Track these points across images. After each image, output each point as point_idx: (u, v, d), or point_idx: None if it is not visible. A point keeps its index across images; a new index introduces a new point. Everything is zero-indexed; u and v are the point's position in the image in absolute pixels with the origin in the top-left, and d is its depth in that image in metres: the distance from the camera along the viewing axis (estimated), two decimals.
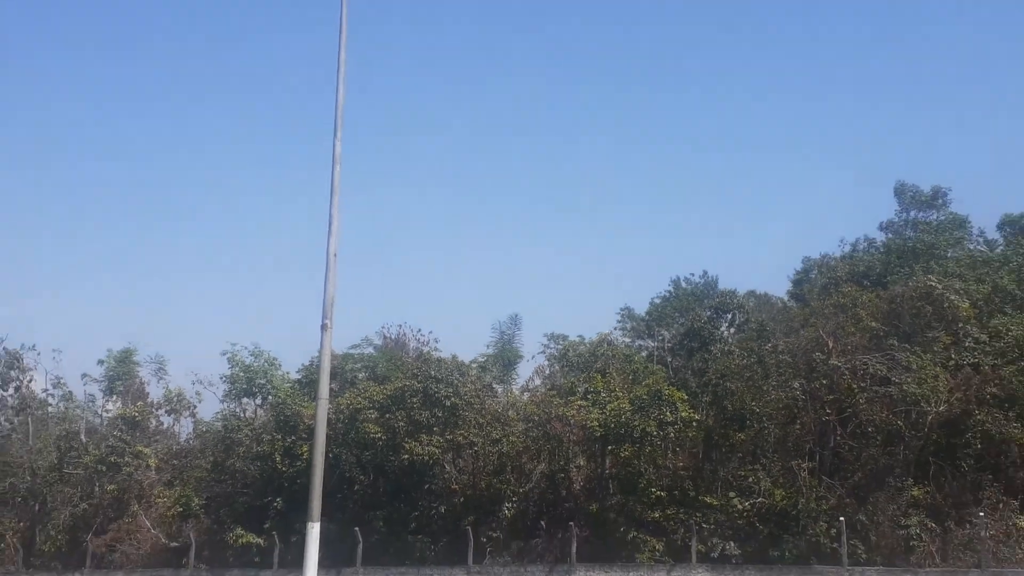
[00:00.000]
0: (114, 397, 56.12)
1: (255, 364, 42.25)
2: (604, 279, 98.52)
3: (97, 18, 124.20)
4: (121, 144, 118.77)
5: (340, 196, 23.83)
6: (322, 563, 35.97)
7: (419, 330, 44.19)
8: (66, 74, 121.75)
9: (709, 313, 39.69)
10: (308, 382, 42.41)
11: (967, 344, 34.55)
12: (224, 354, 44.12)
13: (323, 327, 23.46)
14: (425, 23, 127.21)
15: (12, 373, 36.08)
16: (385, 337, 44.03)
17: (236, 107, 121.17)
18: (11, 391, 40.82)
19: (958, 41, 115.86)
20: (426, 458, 35.84)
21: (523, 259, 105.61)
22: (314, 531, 23.06)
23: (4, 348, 35.35)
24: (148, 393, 55.74)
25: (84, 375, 54.90)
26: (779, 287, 53.78)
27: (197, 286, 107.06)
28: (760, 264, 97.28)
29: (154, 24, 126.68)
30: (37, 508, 45.60)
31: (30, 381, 45.71)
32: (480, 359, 41.65)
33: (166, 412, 51.66)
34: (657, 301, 57.20)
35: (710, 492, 34.36)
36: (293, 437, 38.10)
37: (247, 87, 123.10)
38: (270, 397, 43.12)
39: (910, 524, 31.05)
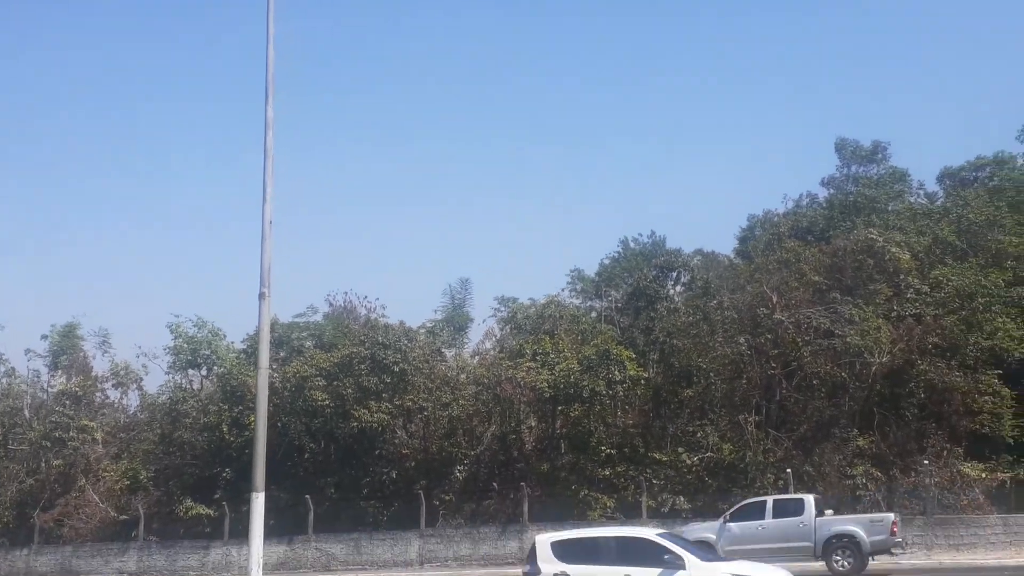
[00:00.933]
0: (59, 372, 54.92)
1: (198, 335, 41.53)
2: (555, 242, 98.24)
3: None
4: (54, 111, 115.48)
5: (275, 162, 23.34)
6: (274, 531, 35.88)
7: (365, 297, 43.53)
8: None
9: (654, 272, 39.49)
10: (253, 351, 41.57)
11: (909, 296, 34.76)
12: (168, 326, 43.34)
13: (261, 296, 22.87)
14: None
15: None
16: (331, 305, 43.42)
17: (176, 71, 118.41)
18: None
19: None
20: (376, 424, 35.55)
21: (474, 224, 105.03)
22: (259, 501, 22.56)
23: None
24: (93, 367, 54.56)
25: (28, 350, 53.74)
26: (726, 245, 53.84)
27: (140, 258, 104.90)
28: (708, 223, 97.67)
29: None
30: None
31: None
32: (428, 324, 41.21)
33: (112, 386, 50.79)
34: (606, 262, 57.03)
35: (659, 448, 34.43)
36: (240, 407, 37.54)
37: (186, 52, 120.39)
38: (215, 368, 42.44)
39: (856, 474, 31.34)
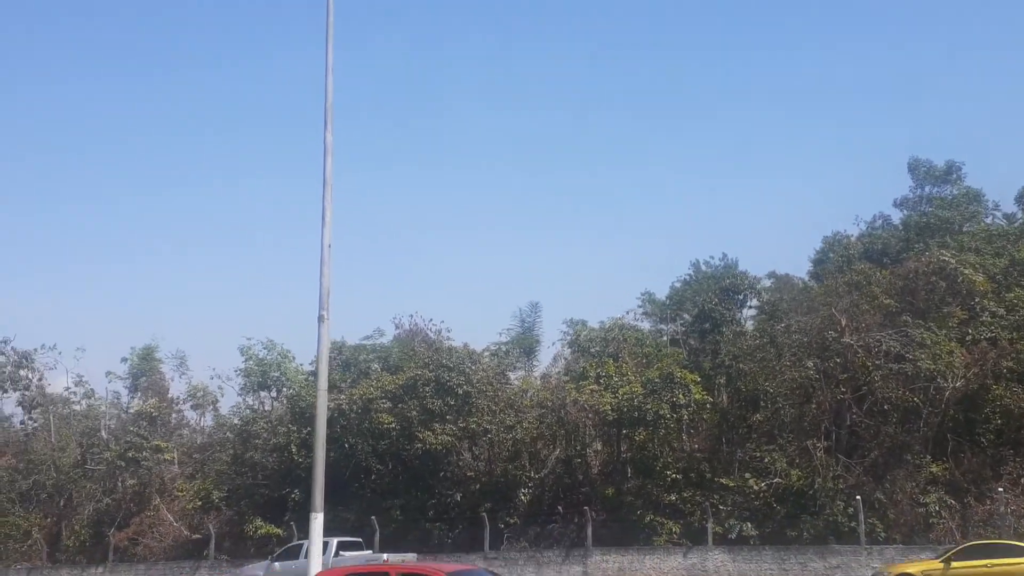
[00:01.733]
0: (138, 393, 56.10)
1: (268, 357, 42.09)
2: (627, 266, 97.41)
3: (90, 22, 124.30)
4: (124, 137, 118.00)
5: (334, 188, 23.62)
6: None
7: (431, 319, 43.67)
8: (73, 74, 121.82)
9: (719, 295, 38.91)
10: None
11: (984, 318, 33.89)
12: (240, 348, 44.03)
13: (320, 319, 23.17)
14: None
15: (21, 372, 35.95)
16: (398, 327, 43.66)
17: (240, 98, 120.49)
18: (22, 390, 40.81)
19: (968, 16, 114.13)
20: (440, 447, 35.55)
21: (546, 248, 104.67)
22: (317, 521, 22.81)
23: (13, 348, 35.27)
24: (170, 389, 55.70)
25: (108, 372, 55.07)
26: (801, 268, 52.74)
27: (217, 281, 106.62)
28: (782, 246, 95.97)
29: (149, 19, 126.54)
30: (62, 504, 45.90)
31: (40, 379, 45.68)
32: (492, 347, 41.17)
33: (190, 407, 51.82)
34: (677, 285, 56.39)
35: (727, 474, 33.84)
36: (308, 428, 37.74)
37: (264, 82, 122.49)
38: (284, 389, 42.92)
39: (929, 501, 30.48)
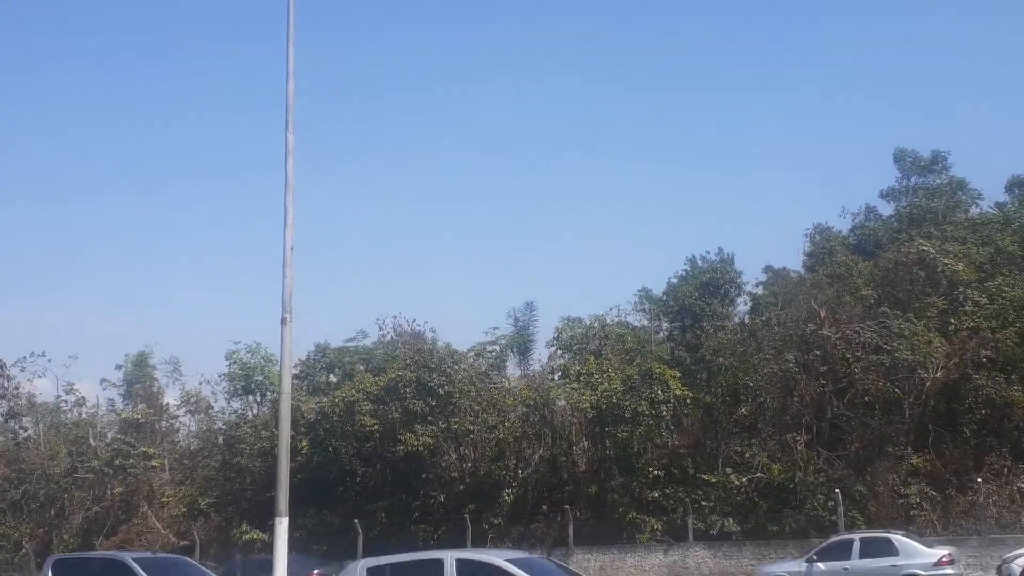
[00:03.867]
0: (132, 401, 55.99)
1: (252, 361, 41.92)
2: (624, 262, 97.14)
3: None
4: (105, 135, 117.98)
5: (295, 191, 23.32)
6: (327, 556, 35.81)
7: (414, 320, 43.31)
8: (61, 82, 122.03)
9: (699, 289, 38.61)
10: (306, 376, 42.08)
11: (966, 308, 33.53)
12: (225, 354, 43.93)
13: (282, 321, 22.80)
14: None
15: None
16: (381, 328, 43.42)
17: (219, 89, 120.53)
18: None
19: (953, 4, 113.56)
20: (422, 448, 35.36)
21: (543, 246, 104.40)
22: (282, 526, 22.43)
23: None
24: (164, 395, 55.54)
25: (103, 380, 54.98)
26: (797, 261, 52.40)
27: (206, 288, 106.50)
28: (776, 239, 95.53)
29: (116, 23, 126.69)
30: (53, 513, 45.69)
31: (17, 387, 45.56)
32: (478, 347, 40.86)
33: (185, 412, 51.66)
34: (674, 281, 56.06)
35: (709, 469, 33.58)
36: (293, 432, 37.51)
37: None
38: (268, 393, 42.76)
39: (910, 493, 30.24)
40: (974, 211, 44.95)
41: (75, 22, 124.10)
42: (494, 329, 43.45)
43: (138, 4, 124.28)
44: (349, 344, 42.74)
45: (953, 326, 33.00)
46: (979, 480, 29.04)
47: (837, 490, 29.90)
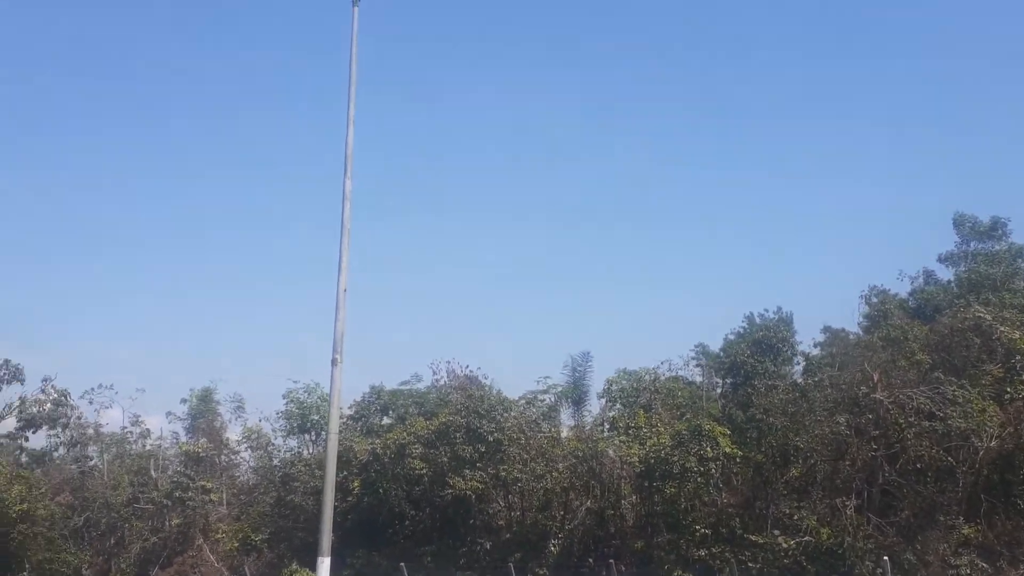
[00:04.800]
0: (196, 434, 56.68)
1: (308, 400, 42.24)
2: (685, 318, 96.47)
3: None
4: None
5: (352, 235, 23.65)
6: None
7: (467, 366, 43.30)
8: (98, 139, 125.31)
9: (751, 347, 38.11)
10: (360, 417, 42.21)
11: (1023, 377, 32.57)
12: (283, 393, 44.34)
13: (333, 362, 23.04)
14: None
15: (60, 410, 36.57)
16: (434, 373, 43.46)
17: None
18: (60, 428, 41.50)
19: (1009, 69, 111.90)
20: (470, 493, 35.23)
21: (601, 302, 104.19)
22: (324, 565, 22.62)
23: (52, 387, 35.83)
24: (226, 429, 56.14)
25: (168, 413, 55.83)
26: (855, 323, 51.47)
27: (269, 329, 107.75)
28: (840, 300, 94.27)
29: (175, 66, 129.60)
30: (112, 542, 46.29)
31: (80, 418, 46.22)
32: (528, 395, 40.72)
33: (246, 448, 52.17)
34: (731, 337, 55.42)
35: (758, 530, 32.83)
36: (345, 472, 37.75)
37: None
38: (323, 432, 42.95)
39: (960, 564, 29.13)
40: None
41: (147, 77, 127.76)
42: (546, 378, 43.34)
43: (200, 56, 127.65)
44: (403, 387, 42.95)
45: (1009, 395, 32.07)
46: None
47: (886, 557, 29.00)
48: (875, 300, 43.56)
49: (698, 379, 49.41)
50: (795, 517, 32.25)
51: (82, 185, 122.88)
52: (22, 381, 47.04)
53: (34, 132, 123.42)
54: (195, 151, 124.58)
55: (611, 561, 32.96)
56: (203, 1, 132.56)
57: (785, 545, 31.67)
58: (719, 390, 45.94)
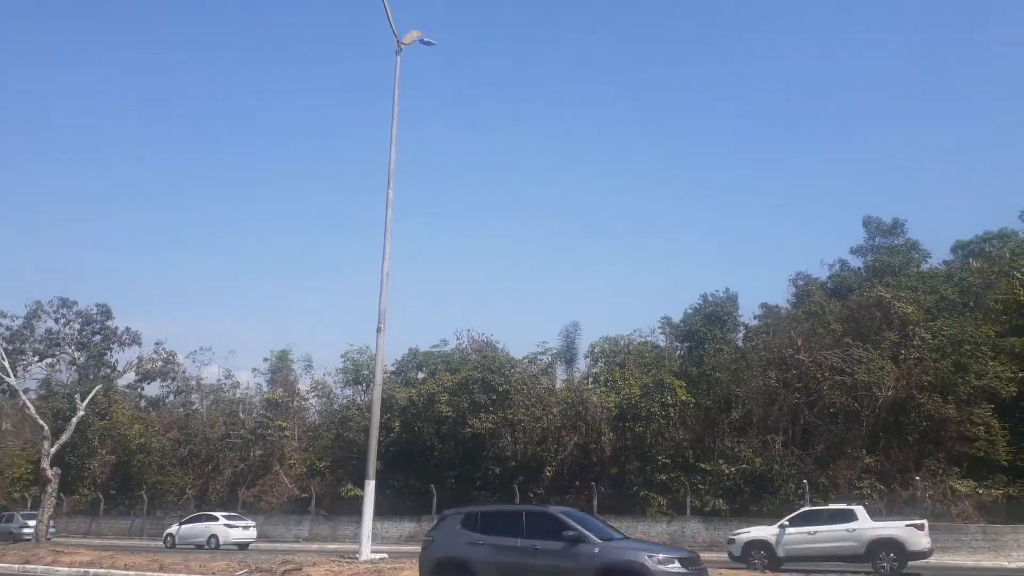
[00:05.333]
0: (274, 386, 56.93)
1: (360, 359, 42.34)
2: (656, 294, 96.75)
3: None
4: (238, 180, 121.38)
5: (393, 234, 23.83)
6: (409, 511, 35.90)
7: (482, 333, 43.50)
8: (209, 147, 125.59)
9: (703, 319, 38.07)
10: (400, 372, 42.34)
11: (914, 342, 32.57)
12: (342, 354, 44.49)
13: (377, 330, 23.40)
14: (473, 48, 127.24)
15: (169, 366, 37.07)
16: (457, 338, 43.63)
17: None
18: (170, 380, 42.09)
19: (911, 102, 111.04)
20: (484, 432, 35.41)
21: (592, 278, 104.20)
22: (370, 486, 22.84)
23: (164, 348, 36.38)
24: (298, 382, 56.33)
25: (254, 369, 56.07)
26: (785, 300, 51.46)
27: (335, 304, 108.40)
28: (775, 282, 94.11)
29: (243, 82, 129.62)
30: (210, 468, 46.55)
31: (184, 372, 46.58)
32: (530, 356, 40.77)
33: (313, 397, 52.32)
34: (689, 311, 55.45)
35: (706, 459, 33.02)
36: (388, 415, 37.95)
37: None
38: (372, 384, 43.00)
39: (863, 486, 29.42)
40: (924, 266, 43.67)
41: (212, 105, 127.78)
42: (543, 343, 43.28)
43: (282, 97, 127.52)
44: (434, 349, 42.94)
45: (903, 356, 32.10)
46: (918, 478, 28.25)
47: (805, 481, 29.29)
48: (801, 283, 43.25)
49: (662, 343, 49.28)
50: (735, 450, 32.48)
51: (200, 182, 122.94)
52: (140, 344, 47.62)
53: (166, 142, 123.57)
54: (286, 172, 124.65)
55: (593, 483, 33.16)
56: (278, 56, 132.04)
57: (728, 471, 31.93)
58: (678, 352, 45.81)
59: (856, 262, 45.60)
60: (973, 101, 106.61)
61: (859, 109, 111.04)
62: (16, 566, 22.43)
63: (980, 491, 28.90)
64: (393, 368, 43.09)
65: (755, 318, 44.56)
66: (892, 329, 33.21)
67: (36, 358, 35.18)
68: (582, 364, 47.35)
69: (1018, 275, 35.74)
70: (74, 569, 21.06)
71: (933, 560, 22.03)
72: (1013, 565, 24.01)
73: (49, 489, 29.28)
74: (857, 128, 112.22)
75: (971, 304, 36.00)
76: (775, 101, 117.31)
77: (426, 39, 24.87)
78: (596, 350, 39.89)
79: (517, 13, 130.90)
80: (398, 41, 24.22)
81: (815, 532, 21.41)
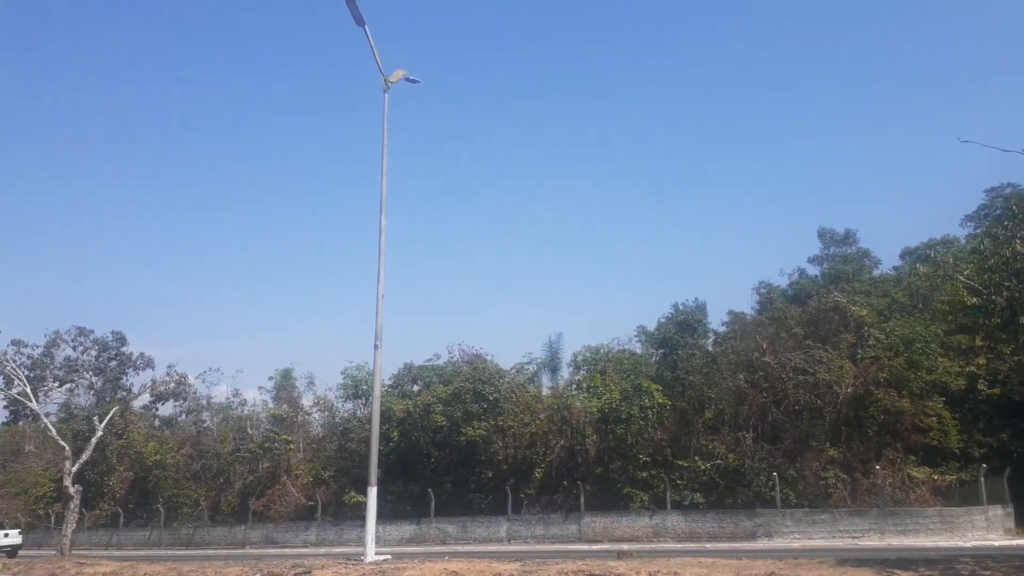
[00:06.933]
0: (279, 402, 56.54)
1: (359, 375, 42.14)
2: (632, 305, 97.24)
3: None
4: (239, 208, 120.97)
5: (387, 258, 23.72)
6: (407, 514, 35.63)
7: (472, 346, 43.47)
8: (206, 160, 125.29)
9: (676, 327, 38.24)
10: (397, 385, 42.14)
11: (869, 342, 32.85)
12: (342, 370, 44.26)
13: (375, 347, 23.21)
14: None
15: (181, 387, 36.88)
16: (449, 352, 43.52)
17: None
18: (182, 401, 41.83)
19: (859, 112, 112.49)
20: (477, 438, 35.27)
21: (574, 293, 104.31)
22: (372, 492, 22.61)
23: (175, 371, 36.21)
24: (301, 398, 55.98)
25: (260, 387, 55.83)
26: (749, 307, 51.82)
27: (334, 321, 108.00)
28: (739, 291, 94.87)
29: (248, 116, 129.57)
30: (221, 481, 46.07)
31: (194, 393, 46.24)
32: (517, 366, 40.73)
33: (316, 411, 51.96)
34: (662, 320, 55.59)
35: (683, 456, 32.99)
36: (386, 425, 37.74)
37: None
38: (370, 398, 42.79)
39: (827, 476, 29.58)
40: (876, 272, 44.15)
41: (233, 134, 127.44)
42: (529, 353, 43.37)
43: (294, 127, 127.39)
44: (428, 363, 42.83)
45: (860, 355, 32.37)
46: (878, 467, 28.39)
47: (775, 473, 29.37)
48: (763, 291, 43.65)
49: (639, 351, 49.45)
50: (710, 447, 32.50)
51: (203, 204, 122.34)
52: (153, 367, 47.10)
53: (162, 167, 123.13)
54: (289, 205, 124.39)
55: (579, 482, 33.08)
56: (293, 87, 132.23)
57: (703, 467, 31.93)
58: (654, 358, 45.97)
59: (813, 270, 46.05)
60: (918, 115, 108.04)
61: (813, 124, 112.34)
62: None
63: (935, 477, 29.13)
64: (390, 382, 42.87)
65: (723, 324, 44.95)
66: (849, 331, 33.47)
67: (56, 384, 34.92)
68: (566, 372, 47.44)
69: (961, 278, 36.12)
70: None
71: (895, 542, 22.28)
72: (968, 544, 24.16)
73: (72, 506, 28.93)
74: (812, 140, 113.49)
75: (920, 306, 36.40)
76: (735, 119, 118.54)
77: (411, 77, 24.94)
78: (579, 359, 39.91)
79: (485, 33, 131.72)
80: (385, 80, 24.28)
81: None
